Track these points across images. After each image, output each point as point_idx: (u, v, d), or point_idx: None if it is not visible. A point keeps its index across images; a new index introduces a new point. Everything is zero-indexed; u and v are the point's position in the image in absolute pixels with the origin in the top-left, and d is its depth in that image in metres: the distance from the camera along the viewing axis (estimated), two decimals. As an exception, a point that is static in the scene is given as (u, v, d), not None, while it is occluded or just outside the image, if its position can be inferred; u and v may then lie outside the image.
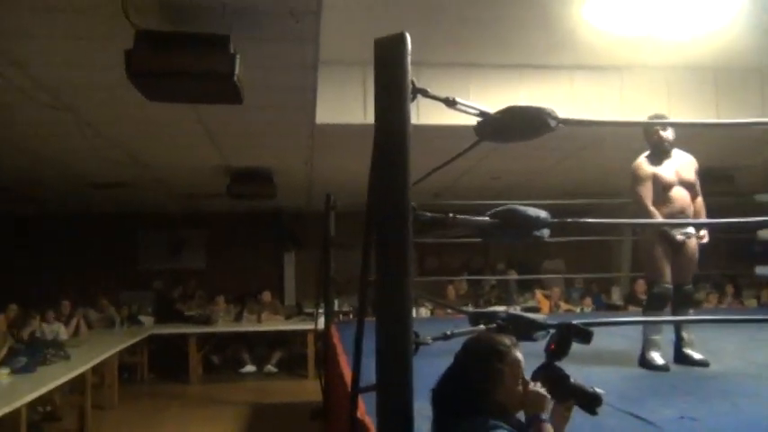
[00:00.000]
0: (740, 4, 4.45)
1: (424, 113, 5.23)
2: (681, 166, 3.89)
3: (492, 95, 5.43)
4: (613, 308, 8.38)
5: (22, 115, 4.82)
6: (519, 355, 1.67)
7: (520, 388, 1.65)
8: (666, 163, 3.87)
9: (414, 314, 5.76)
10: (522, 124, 1.85)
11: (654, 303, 3.84)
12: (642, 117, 5.70)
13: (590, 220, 1.98)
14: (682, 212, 3.75)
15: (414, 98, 1.65)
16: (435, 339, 1.70)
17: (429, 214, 1.69)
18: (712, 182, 7.47)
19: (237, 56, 3.14)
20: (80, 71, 4.02)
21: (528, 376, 1.73)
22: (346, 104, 5.11)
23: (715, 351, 4.26)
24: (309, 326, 7.85)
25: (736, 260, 8.20)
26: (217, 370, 9.22)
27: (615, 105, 5.85)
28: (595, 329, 2.11)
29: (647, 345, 3.74)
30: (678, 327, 3.80)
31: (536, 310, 7.95)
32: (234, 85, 3.19)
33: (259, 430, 6.43)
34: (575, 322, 1.73)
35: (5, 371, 5.07)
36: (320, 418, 4.95)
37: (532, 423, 1.63)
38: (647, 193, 3.80)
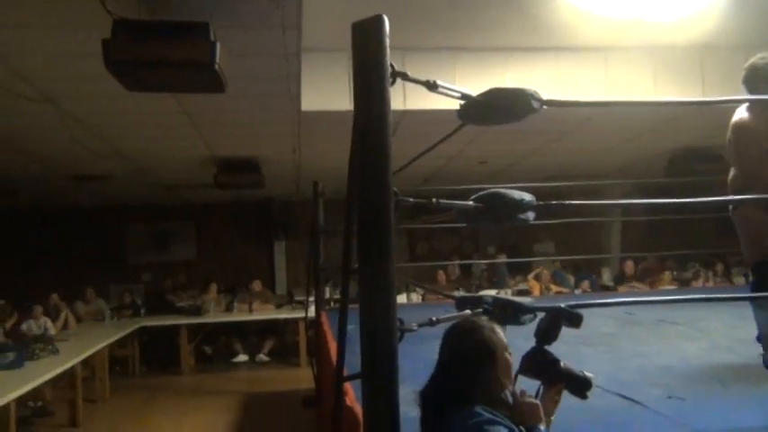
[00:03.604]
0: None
1: (412, 98, 5.23)
2: None
3: (478, 79, 5.41)
4: (604, 288, 8.41)
5: (0, 107, 4.76)
6: (502, 338, 1.66)
7: (505, 371, 1.64)
8: None
9: (405, 300, 5.77)
10: (505, 107, 1.83)
11: None
12: (628, 97, 5.73)
13: (574, 201, 1.96)
14: None
15: (393, 82, 1.61)
16: (421, 326, 1.68)
17: (412, 200, 1.67)
18: (700, 161, 7.52)
19: (218, 44, 3.09)
20: (59, 61, 3.96)
21: (517, 360, 1.72)
22: (332, 91, 5.07)
23: (703, 329, 4.30)
24: (301, 314, 7.84)
25: (725, 238, 8.25)
26: (209, 360, 9.22)
27: (601, 86, 5.83)
28: (585, 311, 2.12)
29: None
30: None
31: (527, 293, 7.97)
32: (215, 73, 3.14)
33: (252, 419, 6.43)
34: (563, 305, 1.72)
35: (-9, 367, 5.04)
36: (313, 406, 4.95)
37: None
38: None
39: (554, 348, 1.75)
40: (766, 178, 2.92)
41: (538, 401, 1.64)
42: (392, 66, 1.58)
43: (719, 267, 8.77)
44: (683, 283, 8.34)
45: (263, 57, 4.15)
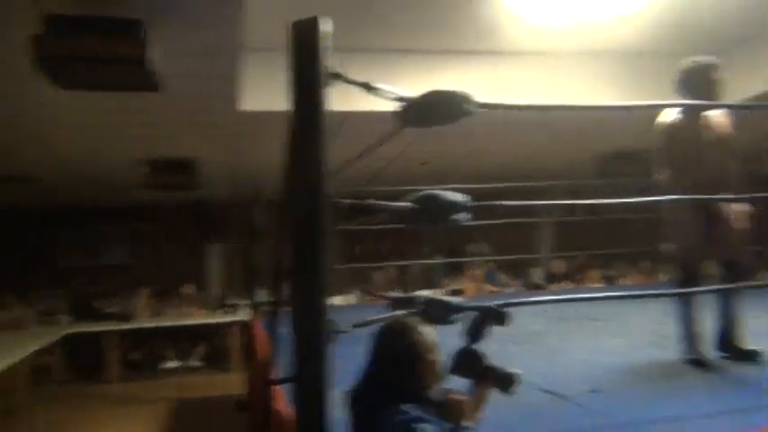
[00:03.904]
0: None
1: (356, 100, 5.23)
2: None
3: (419, 81, 5.43)
4: (536, 287, 8.64)
5: None
6: (431, 338, 1.69)
7: (433, 370, 1.67)
8: None
9: (342, 302, 5.75)
10: (442, 109, 1.87)
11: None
12: (565, 101, 5.91)
13: (506, 202, 2.02)
14: None
15: (330, 83, 1.62)
16: (355, 327, 1.70)
17: (347, 201, 1.68)
18: (627, 163, 7.83)
19: (150, 41, 3.03)
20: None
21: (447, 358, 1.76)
22: (271, 91, 5.02)
23: (627, 325, 4.48)
24: (234, 318, 7.73)
25: (651, 237, 8.59)
26: (138, 367, 8.95)
27: (538, 90, 6.00)
28: (518, 309, 2.18)
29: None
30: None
31: (461, 292, 8.11)
32: (146, 71, 3.07)
33: (183, 426, 6.30)
34: (492, 304, 1.77)
35: None
36: (246, 410, 4.89)
37: None
38: None
39: (485, 347, 1.80)
40: (693, 179, 3.07)
41: (464, 398, 1.67)
42: (329, 67, 1.60)
43: (645, 265, 9.14)
44: (610, 281, 8.66)
45: (201, 55, 4.06)
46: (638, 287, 7.57)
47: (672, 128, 3.18)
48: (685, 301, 3.18)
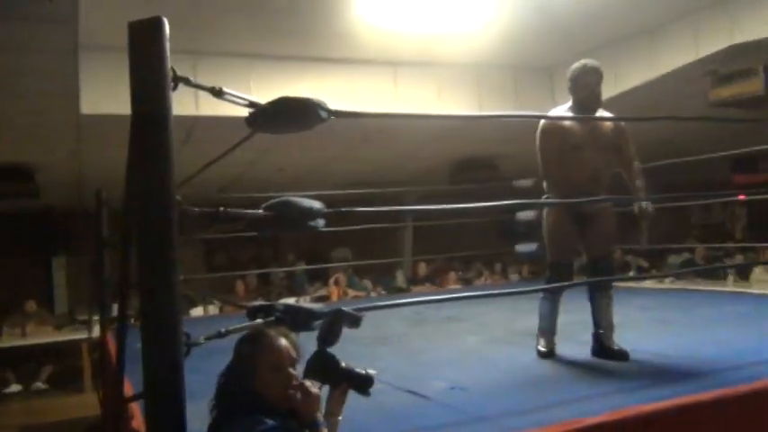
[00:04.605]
0: (496, 7, 4.91)
1: (206, 104, 5.06)
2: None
3: (273, 87, 5.41)
4: (398, 290, 8.84)
5: None
6: (283, 344, 1.67)
7: (284, 380, 1.65)
8: None
9: (201, 313, 5.51)
10: (294, 116, 1.85)
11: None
12: (416, 110, 6.12)
13: (362, 209, 2.04)
14: None
15: (176, 86, 1.55)
16: (209, 338, 1.63)
17: (197, 209, 1.62)
18: (479, 169, 8.24)
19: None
20: None
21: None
22: (115, 93, 4.75)
23: (484, 323, 4.70)
24: (83, 335, 7.21)
25: (503, 240, 9.10)
26: (-26, 395, 8.10)
27: (390, 98, 6.15)
28: (380, 312, 2.21)
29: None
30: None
31: (326, 298, 8.11)
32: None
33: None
34: (349, 308, 1.78)
35: None
36: (99, 433, 4.58)
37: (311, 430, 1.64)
38: None
39: (350, 350, 1.81)
40: (559, 183, 3.25)
41: (317, 392, 1.67)
42: (174, 70, 1.52)
43: (498, 266, 9.64)
44: (467, 282, 9.06)
45: (36, 53, 3.77)
46: (492, 287, 7.96)
47: (548, 131, 3.26)
48: (551, 299, 3.33)
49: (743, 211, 11.41)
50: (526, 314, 4.83)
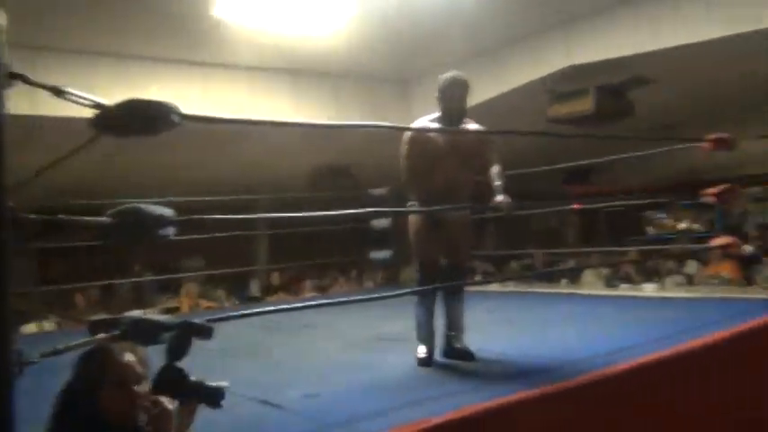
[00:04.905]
0: (348, 17, 5.01)
1: (46, 104, 4.69)
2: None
3: (120, 88, 5.13)
4: (252, 300, 8.68)
5: None
6: (127, 360, 1.60)
7: (129, 398, 1.57)
8: None
9: (36, 329, 5.03)
10: (143, 119, 1.77)
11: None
12: (273, 117, 6.05)
13: (216, 216, 2.00)
14: None
15: (9, 84, 1.43)
16: (44, 356, 1.51)
17: (34, 216, 1.50)
18: (335, 176, 8.32)
19: None
20: None
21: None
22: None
23: (339, 330, 4.74)
24: None
25: (359, 247, 9.23)
26: None
27: (247, 105, 6.06)
28: (234, 322, 2.17)
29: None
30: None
31: (176, 310, 7.78)
32: None
33: None
34: (198, 320, 1.73)
35: None
36: None
37: None
38: None
39: (202, 362, 1.75)
40: (419, 190, 3.34)
41: (169, 408, 1.61)
42: (6, 66, 1.40)
43: (353, 273, 9.77)
44: (323, 290, 9.09)
45: None
46: (347, 294, 8.05)
47: (412, 140, 3.35)
48: (424, 303, 3.36)
49: (576, 219, 12.43)
50: (380, 320, 4.97)
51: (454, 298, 3.42)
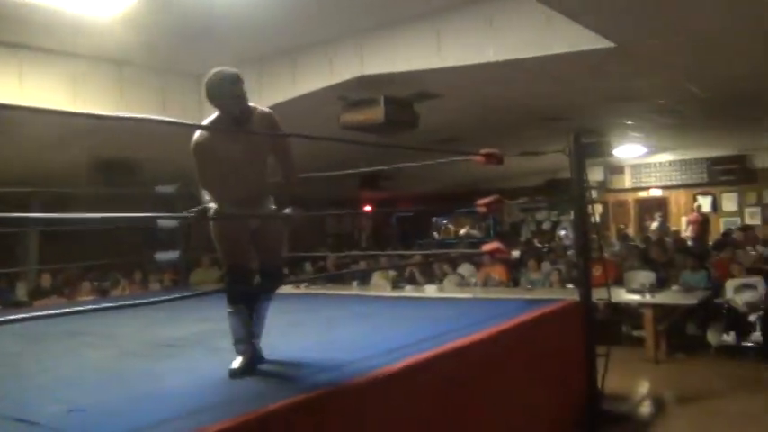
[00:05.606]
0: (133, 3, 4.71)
1: None
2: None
3: None
4: (17, 305, 7.78)
5: None
6: None
7: None
8: None
9: None
10: None
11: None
12: (45, 105, 5.46)
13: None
14: None
15: None
16: None
17: None
18: (120, 172, 7.79)
19: None
20: None
21: None
22: None
23: (113, 336, 4.43)
24: None
25: (143, 248, 8.69)
26: None
27: (15, 89, 5.44)
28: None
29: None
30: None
31: None
32: None
33: None
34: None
35: None
36: None
37: None
38: None
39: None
40: (216, 194, 3.10)
41: None
42: None
43: (138, 275, 9.19)
44: (103, 293, 8.42)
45: None
46: (130, 297, 7.55)
47: (199, 146, 3.08)
48: (238, 310, 3.16)
49: (368, 222, 12.96)
50: (164, 325, 4.71)
51: (265, 301, 3.33)
